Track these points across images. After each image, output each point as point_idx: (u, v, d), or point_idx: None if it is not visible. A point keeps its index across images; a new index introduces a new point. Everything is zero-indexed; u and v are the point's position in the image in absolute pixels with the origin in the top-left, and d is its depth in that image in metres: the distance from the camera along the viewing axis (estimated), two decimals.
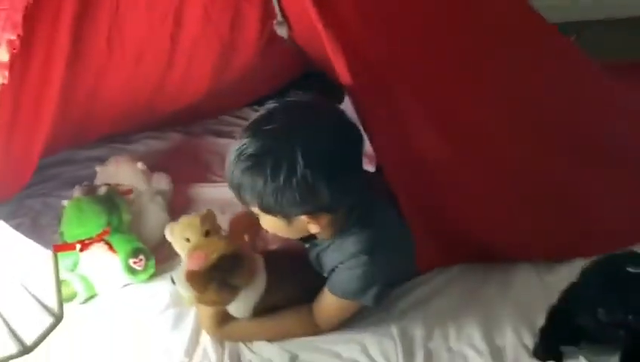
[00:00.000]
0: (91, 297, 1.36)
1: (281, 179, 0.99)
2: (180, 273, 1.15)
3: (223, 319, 1.22)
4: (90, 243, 1.36)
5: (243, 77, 1.81)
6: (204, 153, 1.90)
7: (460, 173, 1.22)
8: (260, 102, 2.04)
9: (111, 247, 1.36)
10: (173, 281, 1.16)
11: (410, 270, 1.27)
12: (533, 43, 1.28)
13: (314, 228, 1.10)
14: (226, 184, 1.12)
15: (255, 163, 1.01)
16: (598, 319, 1.03)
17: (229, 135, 1.95)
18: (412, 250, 1.20)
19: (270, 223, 1.12)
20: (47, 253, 1.10)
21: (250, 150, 1.01)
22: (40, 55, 1.19)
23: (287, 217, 1.08)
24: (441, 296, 1.28)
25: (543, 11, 1.80)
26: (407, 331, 1.20)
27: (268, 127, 1.03)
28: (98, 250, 1.36)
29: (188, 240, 1.20)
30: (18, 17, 1.08)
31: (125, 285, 1.38)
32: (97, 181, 1.55)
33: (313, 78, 1.98)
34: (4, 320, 0.93)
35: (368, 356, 1.16)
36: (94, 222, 1.37)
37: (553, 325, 1.13)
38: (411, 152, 1.17)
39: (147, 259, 1.37)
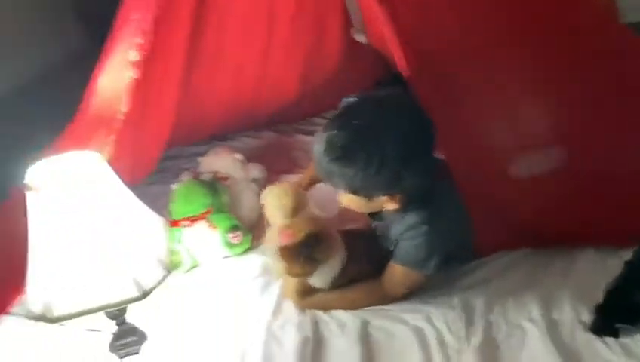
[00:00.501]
0: (194, 267, 1.58)
1: (372, 170, 1.14)
2: (272, 248, 1.34)
3: (305, 290, 1.39)
4: (195, 221, 1.59)
5: (328, 81, 1.99)
6: (294, 149, 2.10)
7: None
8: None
9: (212, 225, 1.58)
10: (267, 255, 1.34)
11: (467, 245, 1.38)
12: (596, 40, 1.34)
13: (391, 206, 1.25)
14: None
15: (345, 154, 1.15)
16: None
17: None
18: (468, 227, 1.31)
19: (351, 201, 1.27)
20: (162, 221, 1.33)
21: (340, 142, 1.15)
22: (162, 60, 1.43)
23: (369, 197, 1.23)
24: (503, 276, 1.38)
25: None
26: (469, 304, 1.31)
27: (355, 122, 1.17)
28: (201, 226, 1.58)
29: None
30: (147, 26, 1.32)
31: (224, 257, 1.59)
32: (200, 169, 1.78)
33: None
34: (128, 269, 1.15)
35: (432, 324, 1.28)
36: (199, 202, 1.60)
37: (609, 302, 1.19)
38: (471, 141, 1.29)
39: (243, 235, 1.58)
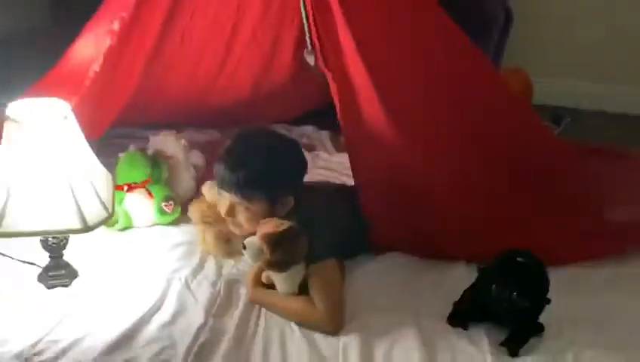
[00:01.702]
0: (127, 228, 1.78)
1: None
2: (251, 240, 1.44)
3: (259, 283, 1.53)
4: (135, 188, 1.79)
5: (276, 95, 2.25)
6: None
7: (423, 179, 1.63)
8: (289, 122, 2.51)
9: (150, 194, 1.79)
10: (244, 246, 1.44)
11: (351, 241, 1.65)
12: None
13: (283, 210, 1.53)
14: None
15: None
16: (492, 294, 1.39)
17: None
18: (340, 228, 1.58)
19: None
20: (109, 174, 1.54)
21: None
22: (137, 34, 1.65)
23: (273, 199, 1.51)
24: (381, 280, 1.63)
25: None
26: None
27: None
28: (140, 193, 1.78)
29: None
30: (132, 2, 1.56)
31: (155, 224, 1.79)
32: (149, 146, 1.98)
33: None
34: (77, 204, 1.35)
35: None
36: (141, 171, 1.80)
37: (462, 299, 1.48)
38: (385, 170, 1.61)
39: (175, 205, 1.79)
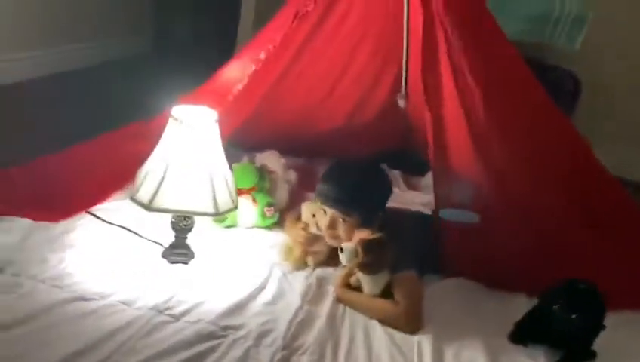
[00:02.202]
0: (232, 226, 2.06)
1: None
2: (347, 244, 1.69)
3: (347, 286, 1.77)
4: (242, 193, 2.07)
5: (366, 126, 2.53)
6: (317, 175, 2.61)
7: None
8: (367, 160, 2.78)
9: (254, 200, 2.07)
10: (341, 250, 1.68)
11: (427, 262, 1.86)
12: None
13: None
14: None
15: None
16: (553, 313, 1.58)
17: None
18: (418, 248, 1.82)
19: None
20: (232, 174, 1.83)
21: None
22: (274, 63, 2.00)
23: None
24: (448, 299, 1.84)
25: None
26: None
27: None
28: (246, 199, 2.07)
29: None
30: (277, 38, 1.91)
31: (255, 226, 2.07)
32: (256, 160, 2.29)
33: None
34: (213, 193, 1.64)
35: None
36: (249, 179, 2.10)
37: (522, 321, 1.68)
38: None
39: (275, 212, 2.06)
